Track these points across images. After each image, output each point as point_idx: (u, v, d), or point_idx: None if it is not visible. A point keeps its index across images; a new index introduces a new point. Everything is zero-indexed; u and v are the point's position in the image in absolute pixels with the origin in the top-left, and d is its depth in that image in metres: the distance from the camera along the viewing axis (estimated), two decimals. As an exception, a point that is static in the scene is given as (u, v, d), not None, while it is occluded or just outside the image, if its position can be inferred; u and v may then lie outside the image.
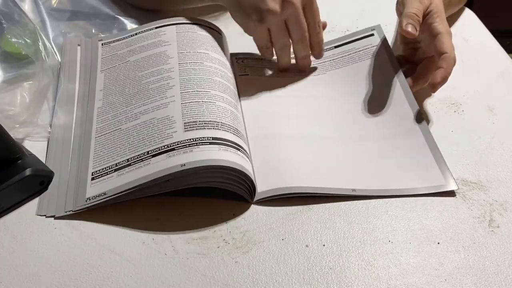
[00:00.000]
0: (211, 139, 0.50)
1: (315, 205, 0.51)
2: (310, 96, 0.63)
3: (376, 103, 0.61)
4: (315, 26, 0.63)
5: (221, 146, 0.50)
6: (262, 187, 0.52)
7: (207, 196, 0.51)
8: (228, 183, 0.50)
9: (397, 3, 0.65)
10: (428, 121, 0.60)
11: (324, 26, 0.67)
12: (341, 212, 0.51)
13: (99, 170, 0.51)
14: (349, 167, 0.55)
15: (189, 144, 0.49)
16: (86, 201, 0.49)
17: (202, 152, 0.49)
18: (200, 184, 0.50)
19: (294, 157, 0.55)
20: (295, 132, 0.58)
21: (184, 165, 0.48)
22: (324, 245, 0.48)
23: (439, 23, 0.60)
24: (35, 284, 0.44)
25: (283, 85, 0.65)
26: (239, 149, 0.51)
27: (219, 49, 0.63)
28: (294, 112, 0.61)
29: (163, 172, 0.48)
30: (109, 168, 0.51)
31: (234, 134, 0.52)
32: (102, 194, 0.49)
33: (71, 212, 0.49)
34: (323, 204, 0.51)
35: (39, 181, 0.50)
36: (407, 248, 0.48)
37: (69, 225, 0.48)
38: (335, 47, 0.69)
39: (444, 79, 0.58)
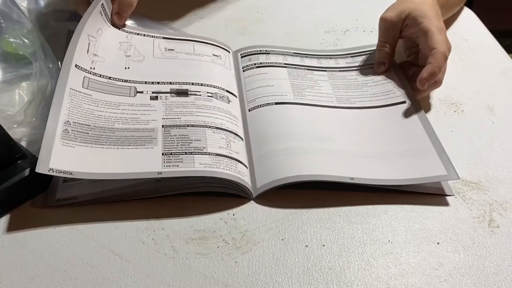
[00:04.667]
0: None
1: (315, 205, 0.51)
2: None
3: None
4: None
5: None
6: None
7: (207, 195, 0.51)
8: (218, 187, 0.51)
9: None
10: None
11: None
12: (341, 212, 0.51)
13: None
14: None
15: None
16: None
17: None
18: (191, 189, 0.51)
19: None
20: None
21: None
22: (323, 245, 0.48)
23: (427, 22, 0.61)
24: (35, 284, 0.44)
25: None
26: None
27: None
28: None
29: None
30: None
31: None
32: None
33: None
34: (323, 204, 0.51)
35: (39, 181, 0.50)
36: (407, 248, 0.48)
37: (69, 225, 0.48)
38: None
39: (431, 75, 0.58)
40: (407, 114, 0.59)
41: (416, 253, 0.48)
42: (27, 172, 0.49)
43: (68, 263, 0.45)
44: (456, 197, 0.53)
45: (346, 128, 0.58)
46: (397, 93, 0.62)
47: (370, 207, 0.51)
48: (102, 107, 0.55)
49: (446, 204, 0.52)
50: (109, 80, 0.59)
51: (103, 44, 0.62)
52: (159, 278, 0.45)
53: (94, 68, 0.59)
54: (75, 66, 0.58)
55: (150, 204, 0.50)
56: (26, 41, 0.61)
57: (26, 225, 0.48)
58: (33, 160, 0.51)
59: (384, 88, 0.63)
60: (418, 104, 0.60)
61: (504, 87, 0.68)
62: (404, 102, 0.61)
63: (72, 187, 0.51)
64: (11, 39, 0.61)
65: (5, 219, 0.49)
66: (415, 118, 0.59)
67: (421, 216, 0.51)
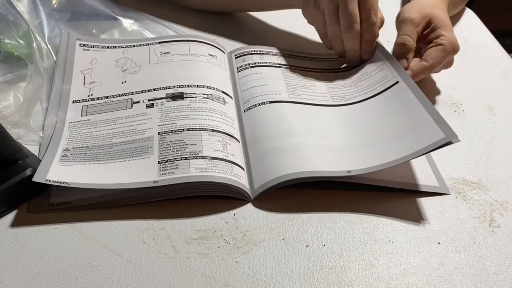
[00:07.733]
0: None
1: (315, 205, 0.51)
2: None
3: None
4: (367, 18, 0.62)
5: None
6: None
7: (207, 196, 0.51)
8: (215, 191, 0.51)
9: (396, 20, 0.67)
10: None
11: (382, 22, 0.66)
12: (342, 212, 0.51)
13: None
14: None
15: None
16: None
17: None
18: (188, 194, 0.51)
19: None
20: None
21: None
22: (324, 245, 0.48)
23: (447, 35, 0.63)
24: (36, 284, 0.44)
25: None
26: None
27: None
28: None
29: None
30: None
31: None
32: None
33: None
34: (324, 204, 0.51)
35: (40, 181, 0.50)
36: (408, 248, 0.48)
37: (69, 225, 0.48)
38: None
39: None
40: (400, 92, 0.58)
41: (417, 253, 0.48)
42: (28, 172, 0.49)
43: (68, 263, 0.45)
44: (456, 197, 0.53)
45: (342, 124, 0.58)
46: (390, 76, 0.61)
47: (370, 206, 0.51)
48: (100, 127, 0.55)
49: (446, 204, 0.52)
50: (107, 100, 0.59)
51: (99, 69, 0.63)
52: (160, 278, 0.45)
53: (92, 94, 0.60)
54: (73, 102, 0.59)
55: (150, 204, 0.50)
56: (22, 42, 0.61)
57: (27, 225, 0.48)
58: (34, 160, 0.51)
59: (378, 76, 0.63)
60: (410, 80, 0.59)
61: (504, 87, 0.68)
62: (397, 82, 0.59)
63: (66, 192, 0.50)
64: (6, 40, 0.61)
65: (6, 218, 0.49)
66: (408, 93, 0.57)
67: (422, 216, 0.51)
